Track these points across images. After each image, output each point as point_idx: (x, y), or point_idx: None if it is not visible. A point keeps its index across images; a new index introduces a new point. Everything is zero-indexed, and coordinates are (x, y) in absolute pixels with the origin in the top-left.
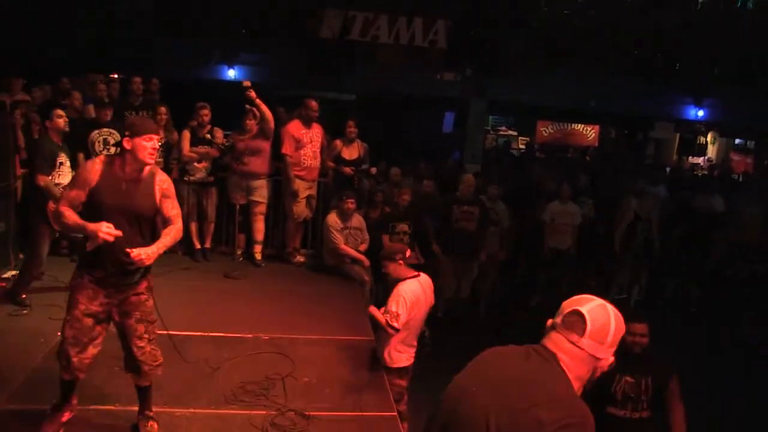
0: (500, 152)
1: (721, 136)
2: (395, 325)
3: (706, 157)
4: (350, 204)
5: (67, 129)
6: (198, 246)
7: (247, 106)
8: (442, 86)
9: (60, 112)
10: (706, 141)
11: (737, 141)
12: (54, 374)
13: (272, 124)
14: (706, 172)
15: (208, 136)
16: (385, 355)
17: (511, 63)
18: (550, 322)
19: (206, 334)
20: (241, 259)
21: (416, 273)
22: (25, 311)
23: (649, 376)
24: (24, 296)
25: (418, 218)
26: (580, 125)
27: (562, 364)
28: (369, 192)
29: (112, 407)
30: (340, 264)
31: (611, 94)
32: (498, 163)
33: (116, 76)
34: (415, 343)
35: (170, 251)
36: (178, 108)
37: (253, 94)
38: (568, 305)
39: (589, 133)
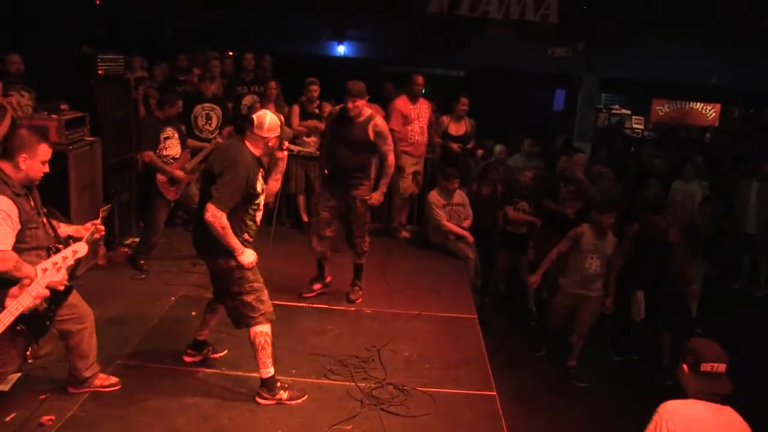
0: (612, 132)
1: None
2: None
3: None
4: (454, 183)
5: (179, 114)
6: (306, 219)
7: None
8: (553, 62)
9: (179, 103)
10: None
11: None
12: (168, 334)
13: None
14: None
15: (317, 110)
16: None
17: (626, 37)
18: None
19: (311, 305)
20: None
21: None
22: (143, 276)
23: None
24: (142, 262)
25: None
26: (699, 104)
27: (246, 142)
28: (483, 168)
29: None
30: (444, 241)
31: (736, 70)
32: (609, 142)
33: (231, 53)
34: None
35: (280, 223)
36: (289, 83)
37: None
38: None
39: (709, 112)
